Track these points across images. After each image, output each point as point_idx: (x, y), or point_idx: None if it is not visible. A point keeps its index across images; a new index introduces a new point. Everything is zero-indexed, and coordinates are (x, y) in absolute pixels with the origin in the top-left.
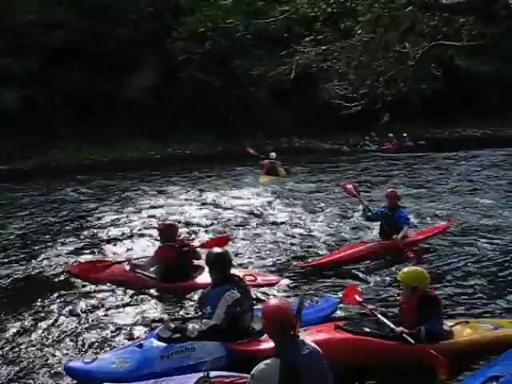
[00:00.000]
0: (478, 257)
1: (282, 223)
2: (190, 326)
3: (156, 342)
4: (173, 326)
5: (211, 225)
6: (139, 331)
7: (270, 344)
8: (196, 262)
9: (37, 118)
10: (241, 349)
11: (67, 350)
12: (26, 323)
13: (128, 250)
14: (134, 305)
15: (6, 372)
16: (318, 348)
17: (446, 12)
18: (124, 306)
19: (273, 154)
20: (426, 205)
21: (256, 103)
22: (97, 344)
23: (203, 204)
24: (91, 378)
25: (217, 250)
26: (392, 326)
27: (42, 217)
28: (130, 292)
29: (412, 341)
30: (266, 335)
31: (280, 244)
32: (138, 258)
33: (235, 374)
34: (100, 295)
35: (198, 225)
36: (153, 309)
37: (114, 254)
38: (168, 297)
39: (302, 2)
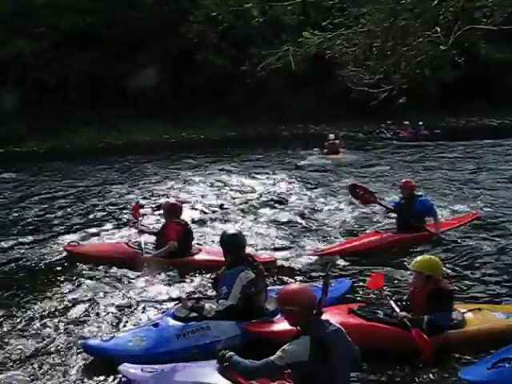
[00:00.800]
0: (495, 249)
1: (296, 208)
2: (207, 305)
3: (172, 321)
4: (190, 304)
5: (223, 207)
6: (155, 309)
7: (284, 326)
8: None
9: (51, 101)
10: (255, 330)
11: (85, 328)
12: (43, 304)
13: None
14: (144, 282)
15: (26, 350)
16: (341, 327)
17: None
18: (134, 283)
19: (331, 136)
20: (444, 195)
21: (271, 89)
22: (113, 323)
23: (217, 187)
24: (108, 355)
25: (231, 231)
26: (397, 310)
27: (55, 199)
28: (136, 270)
29: (409, 324)
30: (279, 315)
31: (293, 229)
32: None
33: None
34: (107, 275)
35: (211, 206)
36: (163, 285)
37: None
38: (174, 272)
39: None
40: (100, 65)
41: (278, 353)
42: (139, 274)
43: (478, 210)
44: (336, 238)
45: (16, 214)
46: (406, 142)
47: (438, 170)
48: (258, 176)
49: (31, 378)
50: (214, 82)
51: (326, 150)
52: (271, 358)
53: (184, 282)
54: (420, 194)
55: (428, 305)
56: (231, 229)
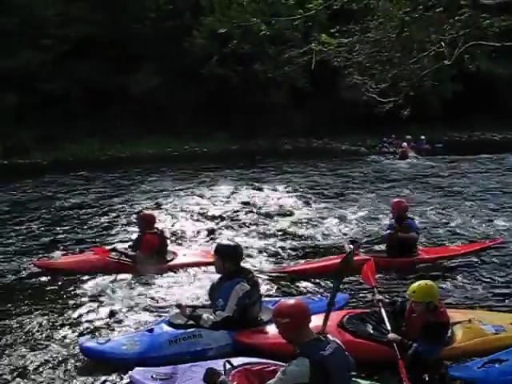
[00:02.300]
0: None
1: (296, 221)
2: (204, 315)
3: (166, 328)
4: (188, 312)
5: (222, 220)
6: (152, 316)
7: (272, 336)
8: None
9: (55, 112)
10: (243, 340)
11: (83, 332)
12: (42, 308)
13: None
14: (133, 289)
15: (24, 350)
16: (339, 342)
17: (485, 12)
18: (124, 291)
19: (404, 144)
20: (448, 216)
21: (274, 103)
22: (111, 327)
23: (217, 199)
24: (103, 357)
25: (229, 242)
26: (388, 328)
27: (56, 211)
28: (120, 277)
29: (398, 355)
30: (271, 325)
31: (289, 242)
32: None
33: (263, 360)
34: (93, 284)
35: (210, 218)
36: (149, 292)
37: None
38: (155, 279)
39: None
40: (104, 77)
41: (279, 375)
42: (126, 282)
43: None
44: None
45: (16, 226)
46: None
47: (439, 187)
48: (259, 189)
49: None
50: (217, 96)
51: (398, 156)
52: (271, 381)
53: (160, 285)
54: (411, 217)
55: (421, 332)
56: (230, 239)
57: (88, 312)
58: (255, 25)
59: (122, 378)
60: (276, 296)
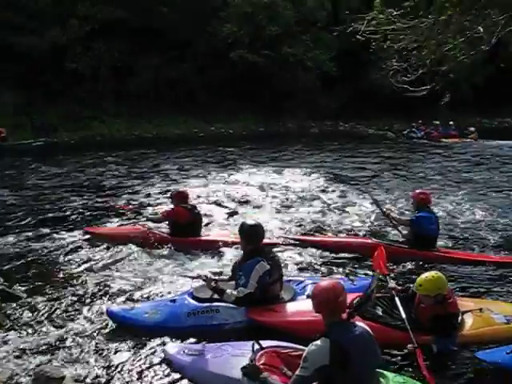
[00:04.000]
0: None
1: (318, 205)
2: (228, 290)
3: (188, 300)
4: (213, 285)
5: (246, 200)
6: (176, 287)
7: (285, 316)
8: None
9: (83, 92)
10: (255, 317)
11: (112, 300)
12: (71, 276)
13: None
14: (161, 261)
15: (55, 314)
16: (368, 329)
17: None
18: (153, 261)
19: (472, 129)
20: (474, 211)
21: (302, 86)
22: (138, 295)
23: (243, 181)
24: (127, 323)
25: (251, 221)
26: (403, 315)
27: (82, 188)
28: (151, 249)
29: (415, 343)
30: (289, 304)
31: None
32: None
33: (290, 345)
34: (126, 253)
35: (233, 199)
36: (177, 264)
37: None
38: (183, 253)
39: None
40: (133, 58)
41: (301, 364)
42: (154, 252)
43: None
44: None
45: (46, 202)
46: (437, 142)
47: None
48: (284, 171)
49: (62, 340)
50: (245, 79)
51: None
52: (297, 372)
53: (198, 262)
54: (433, 212)
55: (433, 324)
56: (253, 220)
57: (120, 280)
58: (284, 5)
59: (144, 346)
60: (300, 276)
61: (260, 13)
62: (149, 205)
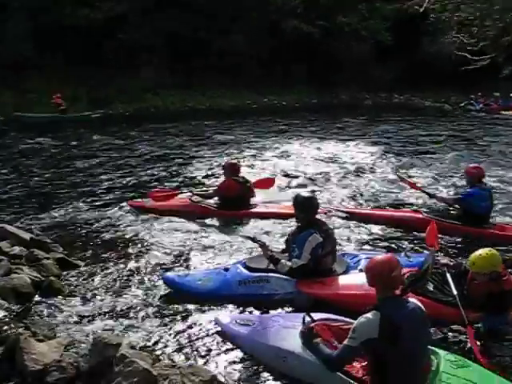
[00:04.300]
0: None
1: (371, 178)
2: (282, 260)
3: (240, 269)
4: (270, 254)
5: (299, 172)
6: (229, 257)
7: (334, 289)
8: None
9: (138, 64)
10: (303, 289)
11: (163, 266)
12: (124, 246)
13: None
14: (214, 232)
15: (111, 282)
16: (421, 306)
17: None
18: (204, 233)
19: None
20: None
21: (356, 57)
22: (190, 264)
23: (295, 153)
24: (180, 289)
25: (305, 193)
26: (454, 292)
27: (138, 159)
28: (202, 220)
29: (466, 320)
30: (341, 277)
31: (367, 198)
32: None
33: (341, 318)
34: (176, 225)
35: (287, 171)
36: (229, 235)
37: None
38: (234, 224)
39: None
40: (187, 30)
41: (350, 334)
42: (204, 224)
43: None
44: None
45: (102, 173)
46: (496, 115)
47: None
48: (337, 143)
49: (118, 306)
50: (299, 49)
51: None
52: (345, 341)
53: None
54: (480, 184)
55: (486, 301)
56: (307, 191)
57: (172, 250)
58: None
59: (197, 313)
60: (355, 250)
61: None
62: (203, 177)
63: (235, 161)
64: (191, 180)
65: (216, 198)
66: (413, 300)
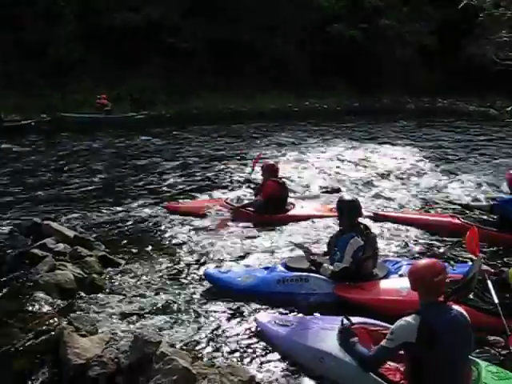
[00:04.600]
0: None
1: (411, 183)
2: (325, 264)
3: (280, 268)
4: (312, 258)
5: (339, 176)
6: (269, 258)
7: (372, 294)
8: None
9: (179, 67)
10: (339, 293)
11: (203, 265)
12: (164, 245)
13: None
14: (254, 233)
15: (152, 280)
16: (465, 315)
17: None
18: (243, 234)
19: None
20: None
21: (399, 60)
22: (229, 263)
23: (336, 157)
24: (221, 285)
25: (348, 197)
26: (496, 300)
27: (183, 159)
28: (242, 222)
29: (508, 331)
30: (381, 282)
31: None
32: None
33: (380, 322)
34: (213, 226)
35: (329, 175)
36: (269, 236)
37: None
38: (273, 226)
39: None
40: (229, 33)
41: (387, 335)
42: (247, 226)
43: None
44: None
45: (145, 173)
46: None
47: None
48: (378, 147)
49: (159, 304)
50: (341, 52)
51: None
52: (382, 342)
53: (286, 237)
54: None
55: None
56: (350, 195)
57: (212, 250)
58: None
59: (236, 312)
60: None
61: None
62: (241, 179)
63: (273, 162)
64: (231, 182)
65: (257, 200)
66: (457, 307)
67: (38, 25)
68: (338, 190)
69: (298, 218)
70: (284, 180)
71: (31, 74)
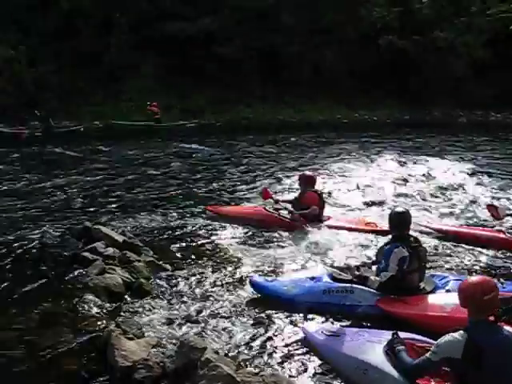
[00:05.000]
0: None
1: (460, 200)
2: (371, 277)
3: (326, 279)
4: (356, 273)
5: (386, 190)
6: (312, 268)
7: (417, 309)
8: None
9: (229, 76)
10: (381, 306)
11: (248, 273)
12: (210, 252)
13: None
14: (295, 242)
15: (198, 286)
16: None
17: None
18: (282, 241)
19: None
20: None
21: (451, 73)
22: (279, 271)
23: (384, 170)
24: (267, 293)
25: (399, 209)
26: None
27: (224, 167)
28: (280, 231)
29: None
30: (424, 296)
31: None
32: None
33: (428, 340)
34: (253, 233)
35: (374, 188)
36: (310, 247)
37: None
38: (311, 236)
39: None
40: (278, 45)
41: (432, 348)
42: (281, 234)
43: None
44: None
45: (194, 180)
46: None
47: None
48: (427, 161)
49: (205, 311)
50: (392, 64)
51: None
52: (427, 354)
53: (325, 246)
54: None
55: None
56: (401, 208)
57: (258, 257)
58: None
59: (282, 320)
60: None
61: None
62: (284, 188)
63: (311, 173)
64: (275, 192)
65: (292, 208)
66: (508, 328)
67: (93, 34)
68: (381, 203)
69: (333, 229)
70: (320, 191)
71: (85, 81)
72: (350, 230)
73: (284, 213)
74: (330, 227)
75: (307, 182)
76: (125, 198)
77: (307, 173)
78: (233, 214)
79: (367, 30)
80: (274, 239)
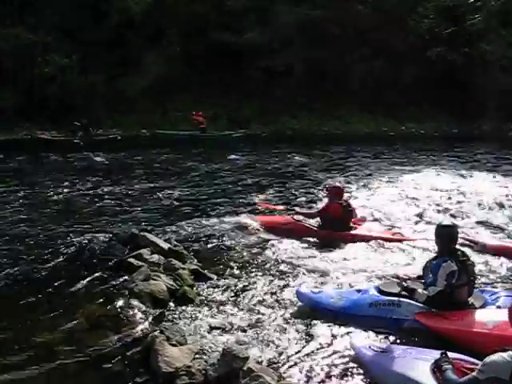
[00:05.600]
0: None
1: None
2: (419, 290)
3: (372, 291)
4: (404, 285)
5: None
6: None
7: (457, 325)
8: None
9: (276, 88)
10: (421, 320)
11: (291, 283)
12: (253, 263)
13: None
14: (327, 253)
15: (241, 296)
16: None
17: None
18: (322, 252)
19: None
20: None
21: (501, 86)
22: (324, 282)
23: (428, 185)
24: (312, 304)
25: (446, 222)
26: None
27: (268, 177)
28: (312, 240)
29: None
30: (471, 312)
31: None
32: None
33: (477, 361)
34: (282, 242)
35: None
36: (347, 259)
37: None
38: (339, 246)
39: None
40: (324, 57)
41: (480, 366)
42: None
43: None
44: None
45: (234, 190)
46: None
47: None
48: (474, 175)
49: (248, 320)
50: (440, 77)
51: None
52: (473, 372)
53: (366, 256)
54: None
55: None
56: (448, 221)
57: (304, 268)
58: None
59: (327, 332)
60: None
61: (462, 5)
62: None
63: (339, 184)
64: (308, 202)
65: (317, 219)
66: None
67: (142, 45)
68: (427, 217)
69: (360, 238)
70: (348, 202)
71: (134, 90)
72: (376, 238)
73: (311, 222)
74: (356, 236)
75: (335, 194)
76: (171, 205)
77: (335, 184)
78: (265, 223)
79: (416, 42)
80: (313, 249)
